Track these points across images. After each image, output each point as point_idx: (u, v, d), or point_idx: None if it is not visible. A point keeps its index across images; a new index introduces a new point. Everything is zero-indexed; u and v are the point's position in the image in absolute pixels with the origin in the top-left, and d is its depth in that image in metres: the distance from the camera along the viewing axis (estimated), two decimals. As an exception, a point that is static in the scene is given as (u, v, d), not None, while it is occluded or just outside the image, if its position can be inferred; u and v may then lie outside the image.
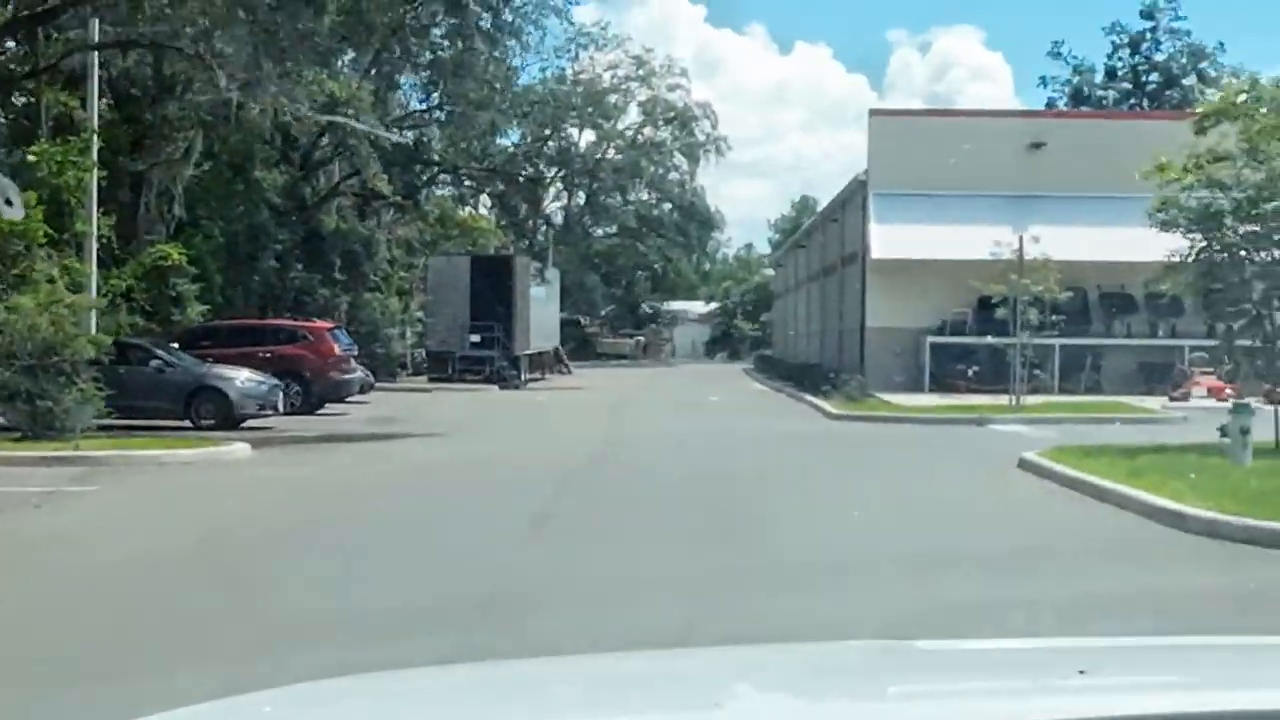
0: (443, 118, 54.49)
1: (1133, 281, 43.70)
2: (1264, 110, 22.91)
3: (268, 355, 35.68)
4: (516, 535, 14.76)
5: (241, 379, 31.45)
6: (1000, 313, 35.08)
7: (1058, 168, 43.95)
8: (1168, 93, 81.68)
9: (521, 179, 56.34)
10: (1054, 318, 35.23)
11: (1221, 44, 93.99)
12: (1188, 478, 17.58)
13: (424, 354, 57.03)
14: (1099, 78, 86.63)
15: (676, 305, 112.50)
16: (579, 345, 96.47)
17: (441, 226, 77.78)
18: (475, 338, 54.62)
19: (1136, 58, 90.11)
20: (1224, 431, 20.03)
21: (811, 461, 23.58)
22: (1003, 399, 36.83)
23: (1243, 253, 23.11)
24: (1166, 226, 23.37)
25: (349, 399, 39.18)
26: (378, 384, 50.40)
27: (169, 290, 41.28)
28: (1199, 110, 25.49)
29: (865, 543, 14.63)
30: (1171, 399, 38.37)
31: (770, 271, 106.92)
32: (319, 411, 36.22)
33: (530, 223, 59.61)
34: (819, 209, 69.47)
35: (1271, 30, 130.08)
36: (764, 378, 60.76)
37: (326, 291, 56.34)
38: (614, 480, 20.50)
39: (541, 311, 61.42)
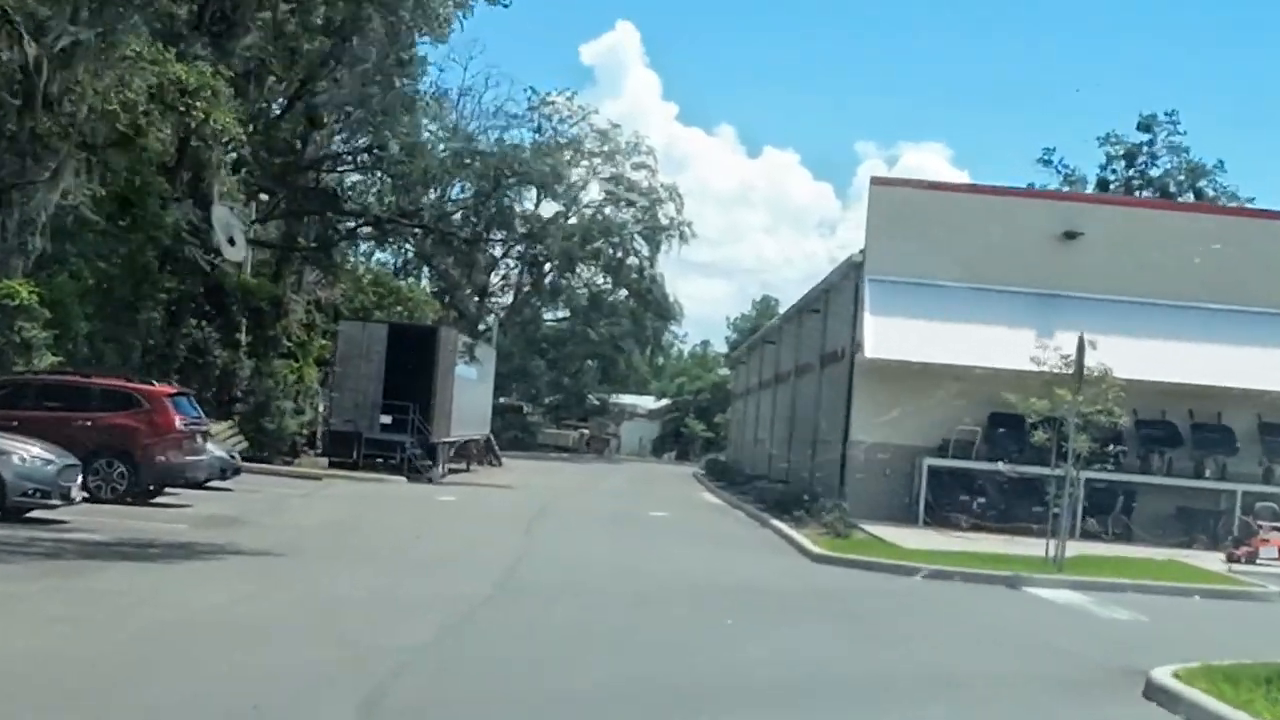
0: (369, 161, 45.83)
1: (1176, 409, 35.19)
2: None
3: (87, 424, 26.84)
4: None
5: (22, 455, 22.43)
6: (1037, 435, 26.23)
7: (1094, 263, 35.54)
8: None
9: (457, 240, 47.43)
10: (1113, 448, 26.63)
11: (1221, 162, 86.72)
12: None
13: (328, 434, 47.92)
14: (1089, 188, 78.96)
15: (626, 399, 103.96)
16: (519, 434, 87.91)
17: (377, 293, 69.22)
18: (386, 419, 45.68)
19: (1131, 171, 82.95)
20: None
21: (817, 654, 14.55)
22: (1021, 545, 28.31)
23: None
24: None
25: (208, 484, 30.41)
26: (269, 465, 41.46)
27: (14, 334, 32.59)
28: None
29: None
30: (1232, 558, 29.72)
31: (727, 371, 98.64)
32: (154, 500, 27.43)
33: (472, 295, 50.55)
34: (781, 310, 60.85)
35: (1273, 152, 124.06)
36: (717, 486, 51.85)
37: (224, 354, 47.21)
38: (468, 692, 11.32)
39: (470, 394, 52.54)
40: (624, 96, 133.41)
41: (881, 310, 34.96)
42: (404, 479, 42.98)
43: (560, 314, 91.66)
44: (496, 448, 62.19)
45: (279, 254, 51.32)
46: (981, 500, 34.00)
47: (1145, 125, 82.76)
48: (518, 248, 53.28)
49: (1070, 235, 35.77)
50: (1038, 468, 33.09)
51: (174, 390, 29.53)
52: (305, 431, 49.18)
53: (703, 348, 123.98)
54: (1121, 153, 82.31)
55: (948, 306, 35.24)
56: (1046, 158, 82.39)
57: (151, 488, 27.84)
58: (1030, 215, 36.05)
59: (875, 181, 36.20)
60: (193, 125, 32.21)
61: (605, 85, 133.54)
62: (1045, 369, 25.75)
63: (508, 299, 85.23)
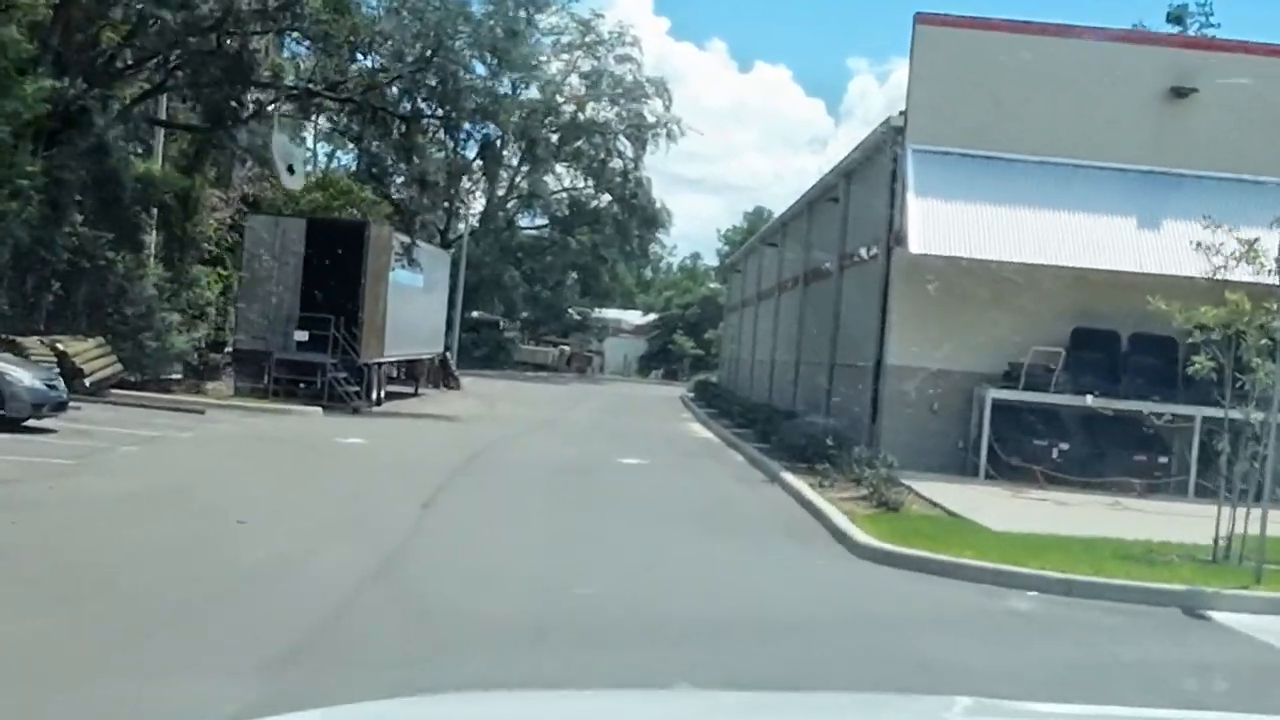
0: (285, 21, 36.05)
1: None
2: None
3: None
4: None
5: None
6: (1198, 362, 16.60)
7: (1212, 128, 26.01)
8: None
9: (392, 118, 37.69)
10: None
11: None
12: None
13: (232, 354, 38.50)
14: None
15: (610, 314, 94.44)
16: (493, 351, 78.64)
17: (328, 194, 59.62)
18: (302, 336, 36.24)
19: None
20: None
21: None
22: (1134, 516, 19.30)
23: None
24: None
25: (37, 419, 21.61)
26: (145, 394, 32.07)
27: None
28: None
29: None
30: None
31: (718, 285, 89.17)
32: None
33: (425, 190, 40.71)
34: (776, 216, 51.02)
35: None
36: (709, 415, 42.43)
37: (124, 258, 37.47)
38: None
39: (416, 306, 43.10)
40: (615, 7, 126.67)
41: (929, 191, 25.46)
42: (320, 410, 33.68)
43: (538, 221, 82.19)
44: (453, 368, 52.83)
45: (198, 139, 41.61)
46: (1063, 446, 24.69)
47: (1176, 17, 72.97)
48: (466, 127, 43.30)
49: (1181, 92, 26.11)
50: (1141, 403, 23.92)
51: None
52: (223, 352, 39.85)
53: (693, 261, 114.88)
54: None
55: (1016, 186, 25.79)
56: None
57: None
58: (1128, 65, 26.30)
59: (921, 20, 26.36)
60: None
61: None
62: (1214, 269, 16.39)
63: (478, 205, 75.96)
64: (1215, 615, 13.58)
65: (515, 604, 11.78)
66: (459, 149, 51.62)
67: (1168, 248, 24.42)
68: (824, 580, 14.43)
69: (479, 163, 69.31)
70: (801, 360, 37.01)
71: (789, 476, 23.32)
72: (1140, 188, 25.61)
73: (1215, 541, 15.84)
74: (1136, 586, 14.24)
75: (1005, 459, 24.70)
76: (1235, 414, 16.18)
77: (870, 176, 30.00)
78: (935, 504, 20.47)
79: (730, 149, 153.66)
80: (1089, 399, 24.67)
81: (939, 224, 25.19)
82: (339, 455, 24.52)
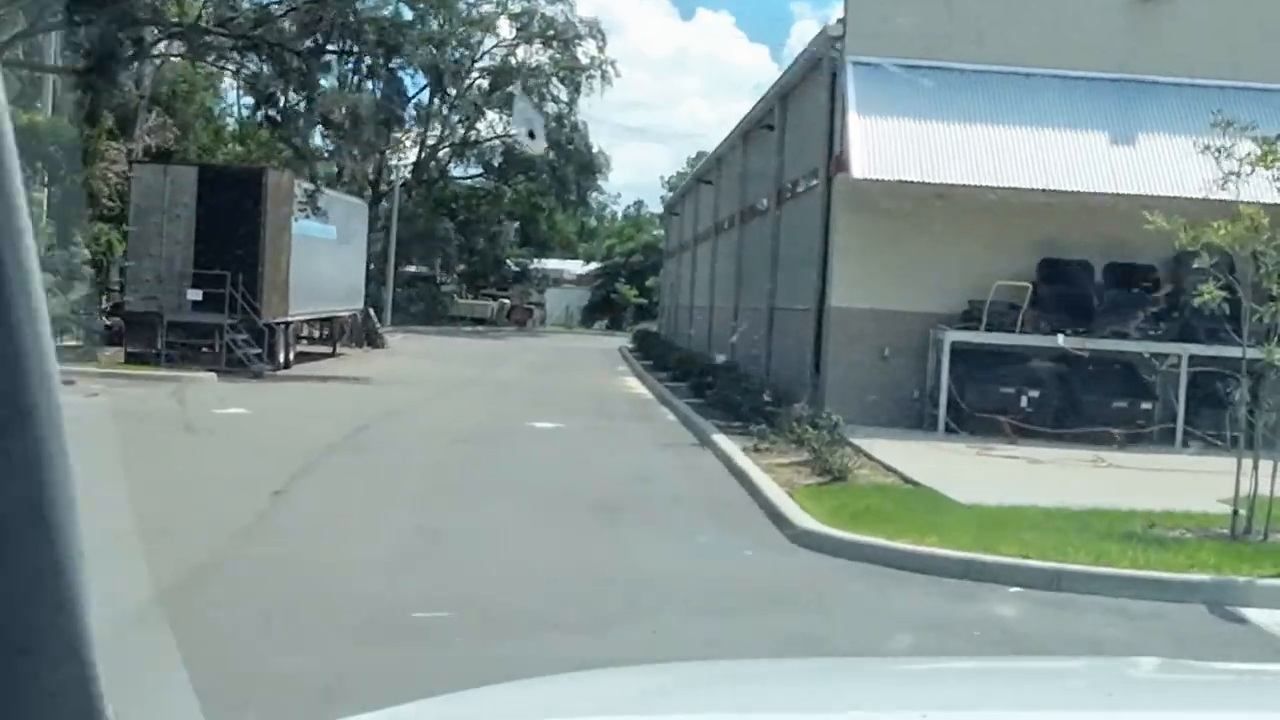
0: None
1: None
2: None
3: None
4: None
5: None
6: (1205, 291, 13.26)
7: (1184, 34, 22.77)
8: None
9: (289, 55, 34.05)
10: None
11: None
12: None
13: (120, 317, 34.96)
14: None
15: (551, 264, 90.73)
16: (429, 306, 75.09)
17: (248, 145, 56.16)
18: (196, 295, 32.75)
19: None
20: None
21: None
22: (1118, 474, 16.45)
23: None
24: None
25: None
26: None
27: None
28: None
29: None
30: None
31: (661, 233, 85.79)
32: None
33: (301, 128, 37.05)
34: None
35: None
36: (647, 368, 39.15)
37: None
38: None
39: (329, 259, 39.62)
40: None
41: (873, 108, 22.12)
42: (215, 376, 30.28)
43: (472, 171, 78.54)
44: (377, 325, 49.31)
45: (83, 82, 37.90)
46: (1033, 394, 21.50)
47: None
48: (368, 60, 39.56)
49: (1150, -9, 22.82)
50: (1120, 341, 20.91)
51: None
52: (105, 316, 36.32)
53: (636, 209, 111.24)
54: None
55: (971, 100, 22.55)
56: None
57: None
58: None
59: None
60: None
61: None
62: (1224, 177, 13.25)
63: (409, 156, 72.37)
64: (1252, 615, 10.47)
65: (324, 647, 8.51)
66: (365, 86, 47.70)
67: (1146, 164, 21.32)
68: (748, 587, 11.14)
69: (411, 111, 66.09)
70: (741, 306, 33.72)
71: (721, 439, 20.10)
72: (1113, 98, 22.35)
73: (1234, 512, 12.72)
74: (1146, 578, 11.10)
75: (968, 410, 21.52)
76: (1255, 353, 13.04)
77: (808, 96, 26.61)
78: (890, 469, 17.30)
79: (673, 97, 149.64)
80: (1060, 339, 21.51)
81: (885, 145, 21.89)
82: (205, 431, 21.11)
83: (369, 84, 46.80)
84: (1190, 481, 15.96)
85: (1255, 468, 12.73)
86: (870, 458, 18.01)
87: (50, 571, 0.87)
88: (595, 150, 75.68)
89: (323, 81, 36.32)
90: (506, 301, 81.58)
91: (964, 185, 21.64)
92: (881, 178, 21.57)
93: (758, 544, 13.03)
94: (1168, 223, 13.10)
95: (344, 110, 40.03)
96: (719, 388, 25.70)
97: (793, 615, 10.34)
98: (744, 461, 17.70)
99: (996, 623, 10.15)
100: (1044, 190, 21.50)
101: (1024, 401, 21.41)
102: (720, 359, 32.58)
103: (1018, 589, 11.06)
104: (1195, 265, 13.37)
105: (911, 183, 21.58)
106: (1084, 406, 21.33)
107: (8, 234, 0.91)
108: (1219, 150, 13.04)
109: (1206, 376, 20.75)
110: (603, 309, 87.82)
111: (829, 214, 23.31)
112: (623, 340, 62.22)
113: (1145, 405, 21.62)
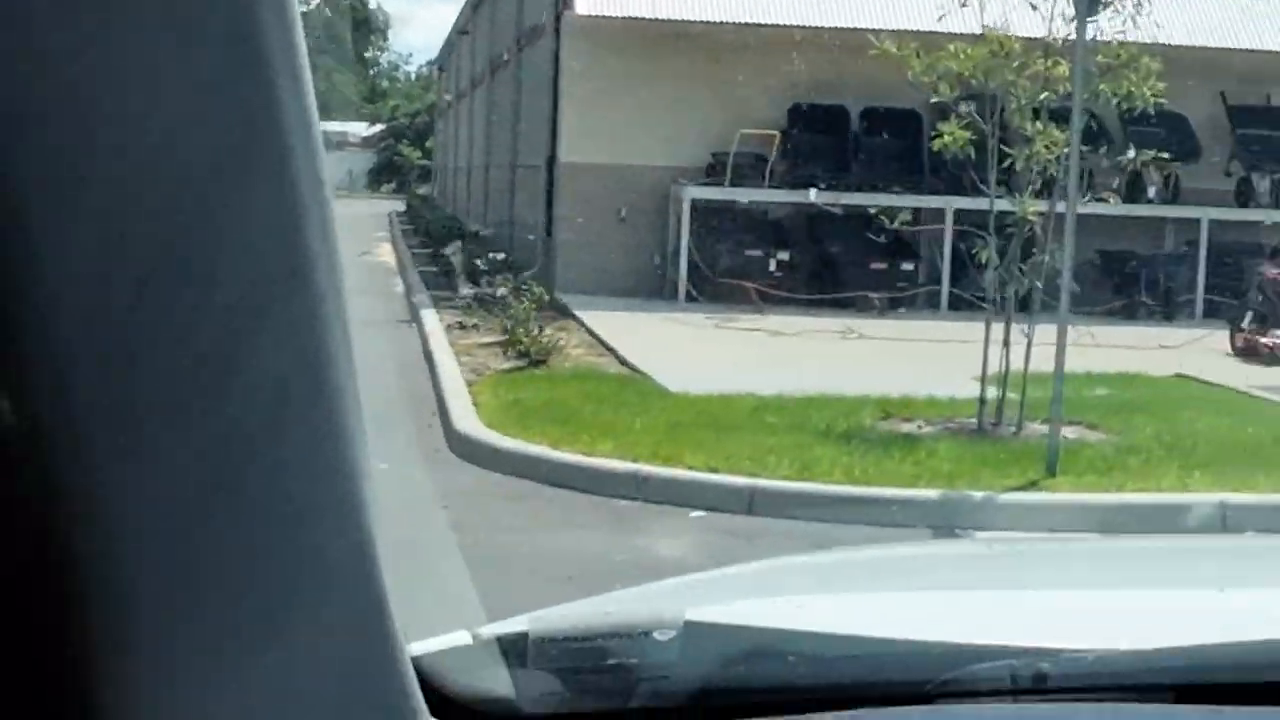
0: None
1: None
2: None
3: None
4: None
5: None
6: (948, 133, 10.95)
7: None
8: None
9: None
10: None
11: None
12: None
13: None
14: None
15: (333, 127, 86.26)
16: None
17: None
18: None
19: None
20: None
21: None
22: (857, 335, 14.61)
23: None
24: None
25: None
26: None
27: None
28: None
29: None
30: (1249, 347, 15.77)
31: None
32: None
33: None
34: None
35: None
36: (406, 234, 36.16)
37: None
38: None
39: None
40: None
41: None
42: None
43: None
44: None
45: None
46: (782, 256, 19.15)
47: None
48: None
49: None
50: (878, 195, 18.65)
51: None
52: None
53: (429, 69, 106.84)
54: None
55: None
56: None
57: None
58: None
59: None
60: None
61: None
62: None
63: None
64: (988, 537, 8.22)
65: None
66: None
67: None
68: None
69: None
70: (490, 165, 30.89)
71: (429, 315, 17.44)
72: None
73: (980, 400, 10.50)
74: (862, 495, 8.78)
75: (711, 276, 19.12)
76: (1004, 204, 10.77)
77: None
78: (607, 347, 14.83)
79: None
80: (812, 194, 19.16)
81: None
82: None
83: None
84: (947, 354, 13.75)
85: (1006, 343, 10.55)
86: (590, 332, 15.58)
87: (329, 436, 0.75)
88: (372, 6, 71.65)
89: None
90: (282, 167, 77.40)
91: (703, 22, 19.04)
92: (610, 14, 18.87)
93: (408, 453, 10.41)
94: (897, 48, 10.67)
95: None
96: (451, 255, 23.00)
97: (405, 557, 7.77)
98: (438, 341, 15.10)
99: (656, 565, 7.73)
100: (793, 26, 18.99)
101: (772, 265, 19.07)
102: (476, 228, 29.80)
103: (700, 513, 8.67)
104: (932, 100, 11.00)
105: (644, 19, 18.95)
106: (840, 269, 19.09)
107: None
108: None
109: (973, 234, 18.60)
110: (388, 172, 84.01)
111: (558, 59, 20.53)
112: (401, 205, 58.80)
113: (907, 266, 19.45)
